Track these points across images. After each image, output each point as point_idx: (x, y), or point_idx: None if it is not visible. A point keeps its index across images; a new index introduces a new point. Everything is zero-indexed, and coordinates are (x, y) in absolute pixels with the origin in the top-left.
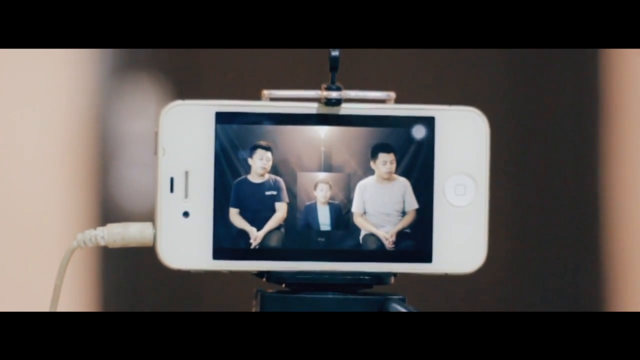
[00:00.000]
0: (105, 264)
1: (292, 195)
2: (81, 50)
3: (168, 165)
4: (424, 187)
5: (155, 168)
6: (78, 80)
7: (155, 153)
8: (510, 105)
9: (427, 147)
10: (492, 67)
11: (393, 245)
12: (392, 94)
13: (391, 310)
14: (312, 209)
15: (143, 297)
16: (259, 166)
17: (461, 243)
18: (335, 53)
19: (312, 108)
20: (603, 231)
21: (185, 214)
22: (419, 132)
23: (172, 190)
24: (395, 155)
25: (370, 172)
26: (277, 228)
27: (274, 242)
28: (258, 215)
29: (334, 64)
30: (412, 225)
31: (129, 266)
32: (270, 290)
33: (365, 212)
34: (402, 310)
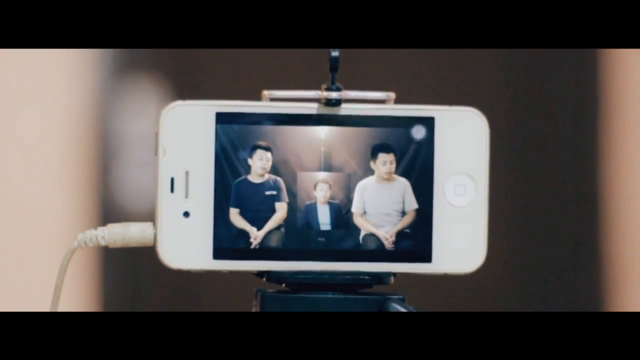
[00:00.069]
0: (105, 264)
1: (292, 195)
2: (82, 51)
3: (168, 166)
4: (423, 187)
5: (156, 168)
6: (78, 80)
7: (156, 153)
8: (509, 105)
9: (426, 147)
10: (492, 68)
11: (393, 245)
12: (392, 95)
13: (391, 310)
14: (312, 209)
15: (143, 297)
16: (259, 166)
17: (461, 243)
18: (335, 53)
19: (312, 108)
20: (602, 231)
21: (186, 214)
22: (418, 132)
23: (172, 190)
24: (395, 155)
25: (370, 172)
26: (277, 228)
27: (274, 242)
28: (258, 215)
29: (334, 64)
30: (411, 225)
31: (130, 266)
32: (270, 290)
33: (365, 212)
34: (402, 310)
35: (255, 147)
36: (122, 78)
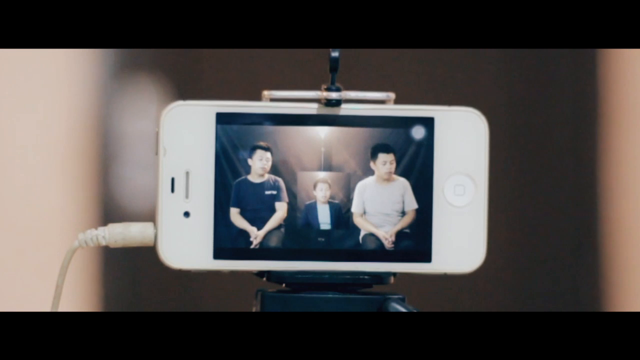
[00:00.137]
0: (106, 263)
1: (292, 195)
2: (82, 51)
3: (169, 166)
4: (423, 187)
5: (156, 168)
6: (79, 80)
7: (156, 153)
8: (509, 105)
9: (426, 147)
10: (492, 68)
11: (393, 245)
12: (392, 95)
13: (391, 309)
14: (312, 208)
15: (144, 297)
16: (259, 166)
17: (460, 243)
18: (335, 54)
19: (312, 109)
20: (602, 231)
21: (186, 214)
22: (418, 132)
23: (173, 190)
24: (395, 155)
25: (370, 172)
26: (278, 228)
27: (274, 241)
28: (258, 214)
29: (334, 64)
30: (411, 225)
31: (130, 266)
32: (270, 290)
33: (365, 212)
34: (402, 309)
35: (255, 148)
36: (123, 78)
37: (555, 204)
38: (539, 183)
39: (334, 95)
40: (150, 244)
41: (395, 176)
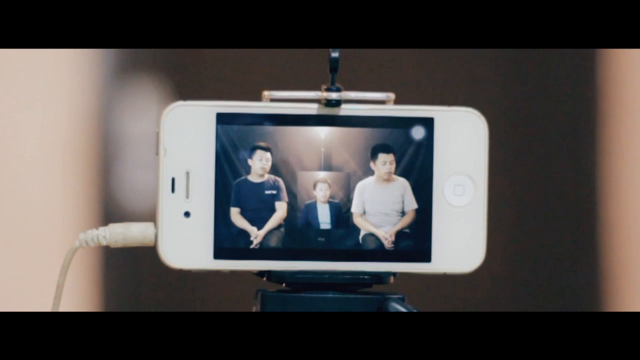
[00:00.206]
0: (107, 263)
1: (293, 195)
2: (83, 51)
3: (169, 166)
4: (423, 188)
5: (157, 168)
6: (79, 80)
7: (157, 153)
8: (509, 106)
9: (426, 147)
10: (491, 68)
11: (392, 245)
12: (392, 95)
13: (391, 309)
14: (312, 208)
15: (144, 297)
16: (259, 167)
17: (460, 243)
18: (335, 54)
19: (312, 109)
20: (601, 231)
21: (187, 214)
22: (418, 132)
23: (173, 190)
24: (395, 155)
25: (370, 172)
26: (278, 227)
27: (274, 241)
28: (258, 214)
29: (334, 65)
30: (411, 225)
31: (131, 266)
32: (270, 290)
33: (364, 212)
34: (402, 309)
35: (255, 148)
36: (123, 78)
37: (554, 204)
38: (538, 183)
39: (334, 95)
40: (151, 243)
41: (395, 176)
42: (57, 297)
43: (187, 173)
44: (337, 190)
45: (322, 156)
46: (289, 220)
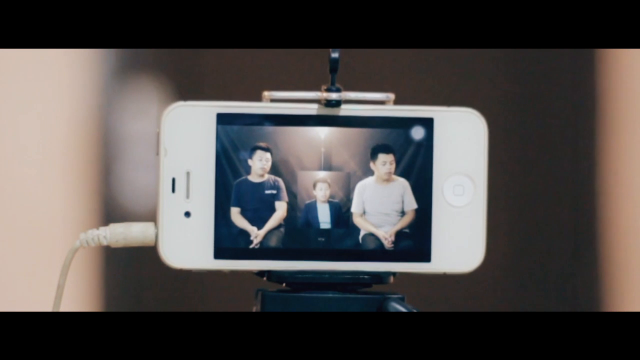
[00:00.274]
0: (107, 263)
1: (293, 195)
2: (83, 51)
3: (170, 166)
4: (422, 188)
5: (157, 168)
6: (80, 80)
7: (157, 153)
8: (508, 106)
9: (426, 147)
10: (491, 68)
11: (392, 245)
12: (392, 96)
13: (390, 309)
14: (312, 207)
15: (145, 297)
16: (258, 167)
17: (459, 243)
18: (335, 55)
19: (312, 109)
20: (601, 231)
21: (187, 214)
22: (418, 133)
23: (173, 190)
24: (395, 155)
25: (370, 172)
26: (278, 227)
27: (274, 241)
28: (258, 214)
29: (334, 65)
30: (411, 225)
31: (131, 266)
32: (270, 290)
33: (364, 212)
34: (402, 309)
35: (255, 148)
36: (124, 78)
37: (554, 204)
38: (537, 183)
39: (333, 95)
40: (151, 243)
41: (394, 176)
42: (58, 297)
43: (188, 173)
44: (337, 190)
45: (322, 156)
46: (289, 220)
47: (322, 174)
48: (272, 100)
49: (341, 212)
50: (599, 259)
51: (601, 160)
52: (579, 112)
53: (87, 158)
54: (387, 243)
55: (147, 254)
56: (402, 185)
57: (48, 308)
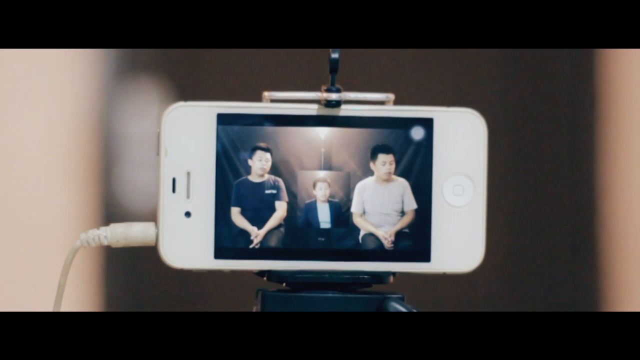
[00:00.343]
0: (108, 263)
1: (293, 195)
2: (84, 51)
3: (170, 166)
4: (422, 188)
5: (158, 168)
6: (80, 80)
7: (158, 154)
8: (508, 106)
9: (425, 148)
10: (490, 68)
11: (392, 245)
12: (391, 96)
13: (390, 309)
14: (312, 207)
15: (145, 297)
16: (258, 167)
17: (459, 243)
18: (335, 55)
19: (312, 109)
20: (600, 231)
21: (187, 214)
22: (417, 133)
23: (174, 190)
24: (395, 156)
25: (370, 172)
26: (278, 227)
27: (274, 241)
28: (258, 214)
29: (334, 66)
30: (410, 225)
31: (132, 266)
32: (271, 290)
33: (364, 212)
34: (401, 309)
35: (254, 149)
36: (124, 79)
37: (553, 204)
38: (537, 183)
39: (333, 96)
40: (152, 243)
41: (394, 176)
42: (59, 297)
43: (188, 173)
44: (337, 190)
45: (322, 157)
46: (289, 220)
47: (322, 174)
48: (272, 101)
49: (341, 211)
50: (599, 259)
51: (601, 159)
52: (578, 112)
53: (87, 158)
54: (387, 243)
55: (148, 254)
56: (402, 185)
57: (49, 308)
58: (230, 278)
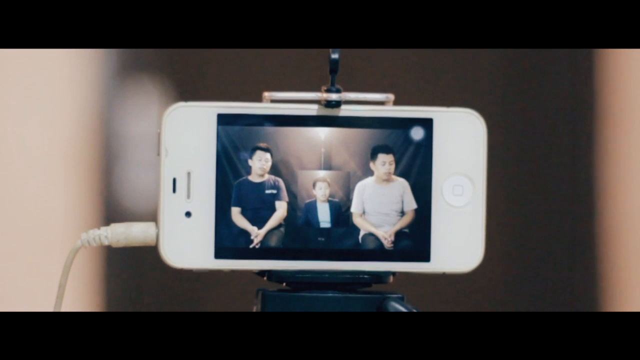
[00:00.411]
0: (108, 263)
1: (293, 195)
2: (84, 51)
3: (170, 166)
4: (422, 188)
5: (158, 169)
6: (81, 80)
7: (158, 154)
8: (507, 106)
9: (425, 148)
10: (490, 69)
11: (392, 245)
12: (391, 96)
13: (390, 308)
14: (312, 207)
15: (146, 296)
16: (258, 167)
17: (459, 242)
18: (335, 56)
19: (312, 110)
20: (599, 231)
21: (188, 214)
22: (417, 133)
23: (174, 190)
24: (394, 156)
25: (370, 172)
26: (278, 227)
27: (274, 241)
28: (259, 214)
29: (334, 66)
30: (410, 225)
31: (132, 265)
32: (271, 289)
33: (364, 212)
34: (401, 308)
35: (255, 149)
36: (125, 79)
37: (553, 204)
38: (536, 183)
39: (333, 96)
40: (152, 243)
41: (394, 176)
42: (59, 297)
43: (188, 173)
44: (337, 189)
45: (322, 157)
46: (289, 220)
47: (322, 173)
48: (273, 101)
49: (341, 211)
50: (598, 259)
51: (600, 159)
52: (578, 112)
53: (88, 158)
54: (387, 243)
55: (148, 254)
56: (402, 185)
57: (49, 308)
58: (230, 278)
